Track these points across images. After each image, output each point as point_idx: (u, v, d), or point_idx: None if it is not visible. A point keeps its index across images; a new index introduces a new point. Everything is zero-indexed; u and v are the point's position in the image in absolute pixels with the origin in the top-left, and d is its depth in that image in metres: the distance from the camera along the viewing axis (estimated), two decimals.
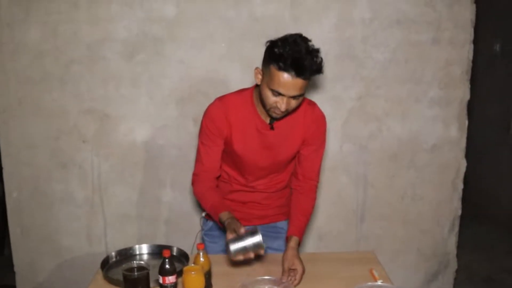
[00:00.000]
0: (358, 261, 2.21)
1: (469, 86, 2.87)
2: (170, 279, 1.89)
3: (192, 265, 1.90)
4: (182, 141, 2.84)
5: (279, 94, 1.91)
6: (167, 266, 1.89)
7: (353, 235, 3.01)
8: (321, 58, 1.90)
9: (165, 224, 2.96)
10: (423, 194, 2.96)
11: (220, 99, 2.13)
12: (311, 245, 2.99)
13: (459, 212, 3.01)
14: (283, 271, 2.00)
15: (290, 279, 1.99)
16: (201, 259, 1.93)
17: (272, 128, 2.11)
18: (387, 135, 2.88)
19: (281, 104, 1.93)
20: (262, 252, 1.89)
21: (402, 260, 3.03)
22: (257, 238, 1.88)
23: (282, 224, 2.39)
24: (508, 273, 3.94)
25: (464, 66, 2.83)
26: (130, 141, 2.85)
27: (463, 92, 2.86)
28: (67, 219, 2.93)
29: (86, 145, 2.83)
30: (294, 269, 2.01)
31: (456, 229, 3.03)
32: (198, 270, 1.84)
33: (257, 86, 2.06)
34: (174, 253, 2.24)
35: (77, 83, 2.77)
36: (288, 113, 2.01)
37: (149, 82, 2.78)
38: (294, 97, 1.93)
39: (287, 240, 2.14)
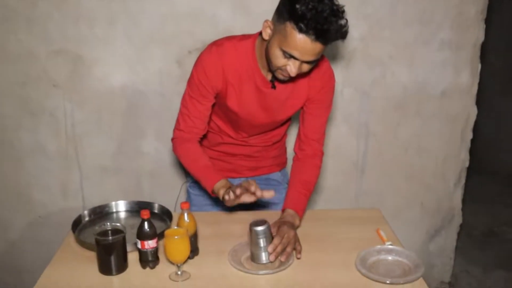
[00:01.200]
0: (362, 220, 1.96)
1: (484, 26, 2.55)
2: (150, 243, 1.61)
3: (175, 227, 1.61)
4: (165, 86, 2.51)
5: (292, 57, 1.60)
6: (146, 228, 1.61)
7: (353, 190, 2.75)
8: (346, 21, 1.57)
9: (147, 177, 2.67)
10: (428, 146, 2.68)
11: (218, 46, 1.78)
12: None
13: (467, 164, 2.75)
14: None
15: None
16: (186, 220, 1.65)
17: (273, 86, 1.81)
18: (391, 81, 2.57)
19: (292, 68, 1.63)
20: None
21: (404, 216, 2.78)
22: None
23: (276, 175, 2.14)
24: (509, 226, 3.75)
25: (479, 4, 2.49)
26: (106, 86, 2.51)
27: (477, 34, 2.53)
28: (39, 172, 2.62)
29: (57, 91, 2.49)
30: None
31: (462, 182, 2.77)
32: (182, 234, 1.56)
33: (261, 36, 1.73)
34: (156, 211, 1.96)
35: (45, 22, 2.41)
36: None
37: (126, 21, 2.42)
38: (308, 62, 1.63)
39: (282, 212, 1.87)
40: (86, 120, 2.56)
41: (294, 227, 1.75)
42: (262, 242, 1.62)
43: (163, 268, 1.64)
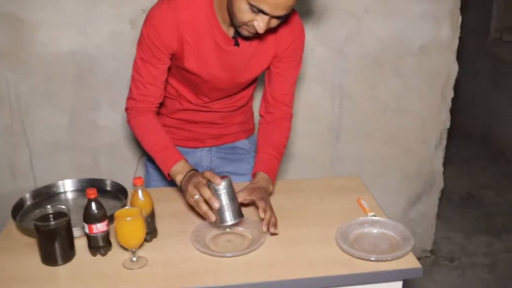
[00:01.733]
0: (341, 189, 1.76)
1: None
2: (99, 227, 1.38)
3: (127, 207, 1.38)
4: (118, 50, 2.24)
5: (261, 11, 1.38)
6: (93, 210, 1.38)
7: (328, 155, 2.55)
8: None
9: (105, 152, 2.42)
10: (408, 106, 2.49)
11: (169, 0, 1.54)
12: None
13: (448, 124, 2.57)
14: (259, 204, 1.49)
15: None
16: (140, 198, 1.43)
17: (236, 44, 1.57)
18: (367, 36, 2.35)
19: (260, 23, 1.40)
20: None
21: (383, 182, 2.61)
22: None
23: (242, 143, 1.92)
24: (487, 188, 3.63)
25: None
26: (53, 52, 2.23)
27: None
28: None
29: None
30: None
31: (444, 144, 2.60)
32: (136, 215, 1.33)
33: None
34: (108, 188, 1.73)
35: None
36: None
37: None
38: (278, 17, 1.41)
39: (253, 177, 1.66)
40: (32, 91, 2.29)
41: (268, 194, 1.55)
42: (224, 199, 1.42)
43: (117, 254, 1.42)
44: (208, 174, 1.44)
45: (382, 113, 2.48)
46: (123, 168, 2.40)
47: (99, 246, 1.40)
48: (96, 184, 1.72)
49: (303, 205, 1.66)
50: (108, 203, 1.60)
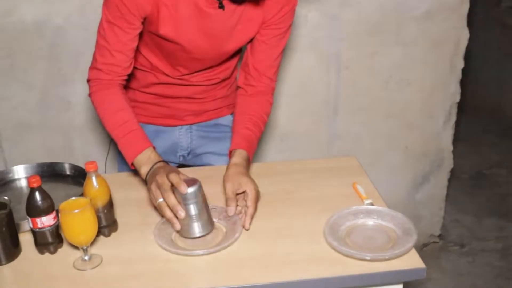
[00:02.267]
0: (334, 172, 1.54)
1: None
2: (44, 220, 1.18)
3: (74, 198, 1.17)
4: (88, 18, 2.00)
5: None
6: (36, 201, 1.16)
7: (324, 133, 2.32)
8: None
9: (78, 133, 2.20)
10: (412, 78, 2.24)
11: None
12: (269, 150, 2.29)
13: (458, 98, 2.32)
14: (227, 198, 1.31)
15: (240, 211, 1.31)
16: (95, 185, 1.21)
17: (221, 6, 1.35)
18: (365, 0, 2.10)
19: None
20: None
21: (385, 162, 2.38)
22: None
23: (226, 120, 1.70)
24: (499, 166, 3.39)
25: None
26: (15, 22, 2.00)
27: None
28: None
29: None
30: (242, 193, 1.32)
31: (453, 119, 2.35)
32: (84, 206, 1.12)
33: None
34: (68, 172, 1.52)
35: None
36: None
37: None
38: None
39: (230, 156, 1.44)
40: None
41: (253, 181, 1.34)
42: (192, 209, 1.19)
43: (68, 251, 1.21)
44: (173, 178, 1.20)
45: (384, 85, 2.24)
46: (100, 149, 2.19)
47: (46, 242, 1.20)
48: (52, 168, 1.51)
49: (289, 191, 1.44)
50: (68, 191, 1.41)
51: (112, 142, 1.88)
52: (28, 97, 2.13)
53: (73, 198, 1.15)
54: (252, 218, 1.27)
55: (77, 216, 1.11)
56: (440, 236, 2.62)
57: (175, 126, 1.65)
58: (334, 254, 1.15)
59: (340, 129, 2.31)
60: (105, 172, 1.93)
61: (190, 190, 1.18)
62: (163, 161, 1.32)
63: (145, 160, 1.33)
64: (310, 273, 1.10)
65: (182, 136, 1.67)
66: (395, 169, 2.40)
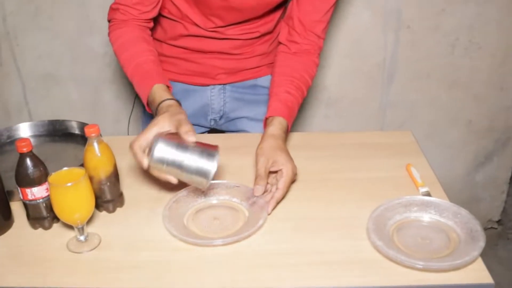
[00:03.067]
0: (387, 148, 1.30)
1: None
2: (36, 192, 1.00)
3: (66, 168, 0.97)
4: None
5: None
6: (26, 169, 0.98)
7: (377, 101, 2.05)
8: None
9: (107, 85, 2.03)
10: (483, 42, 1.93)
11: None
12: (312, 116, 2.06)
13: None
14: (257, 176, 1.08)
15: (268, 192, 1.09)
16: (97, 153, 1.02)
17: None
18: None
19: None
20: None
21: (443, 137, 2.10)
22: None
23: (265, 80, 1.47)
24: None
25: None
26: None
27: None
28: None
29: None
30: (276, 172, 1.11)
31: None
32: (80, 178, 0.93)
33: None
34: (77, 131, 1.34)
35: None
36: None
37: None
38: None
39: (265, 124, 1.22)
40: (21, 12, 1.89)
41: (291, 159, 1.12)
42: (179, 164, 0.99)
43: (66, 228, 1.03)
44: (132, 151, 1.02)
45: (450, 49, 1.94)
46: (126, 104, 2.01)
47: (40, 216, 1.02)
48: (64, 127, 1.34)
49: (329, 169, 1.21)
50: (78, 153, 1.23)
51: (137, 98, 1.69)
52: (54, 46, 1.96)
53: (66, 168, 0.96)
54: (277, 203, 1.06)
55: (70, 191, 0.92)
56: (499, 222, 2.33)
57: (207, 85, 1.44)
58: (377, 256, 0.92)
59: (395, 97, 2.04)
60: (128, 133, 1.76)
61: (152, 159, 0.99)
62: (172, 102, 1.11)
63: (152, 98, 1.15)
64: (344, 279, 0.88)
65: (214, 97, 1.46)
66: (454, 145, 2.12)
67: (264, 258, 0.94)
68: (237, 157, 1.08)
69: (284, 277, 0.89)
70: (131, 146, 1.01)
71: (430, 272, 0.87)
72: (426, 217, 1.00)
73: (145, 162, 1.00)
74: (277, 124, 1.19)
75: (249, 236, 0.98)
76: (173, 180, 1.01)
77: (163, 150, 0.98)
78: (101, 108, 2.06)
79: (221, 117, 1.49)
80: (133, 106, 1.64)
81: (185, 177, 1.00)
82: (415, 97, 2.04)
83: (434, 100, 2.04)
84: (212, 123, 1.51)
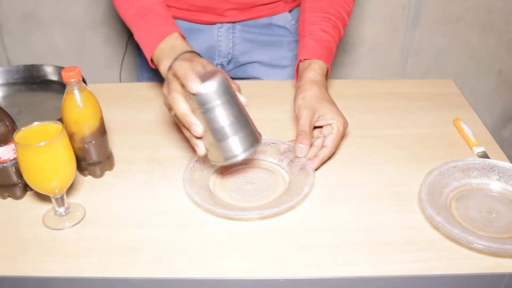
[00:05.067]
0: (427, 98, 1.10)
1: None
2: (1, 152, 0.78)
3: (37, 123, 0.76)
4: None
5: None
6: None
7: (398, 47, 1.83)
8: None
9: (96, 28, 1.79)
10: None
11: None
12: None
13: None
14: (300, 132, 0.88)
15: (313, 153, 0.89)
16: (78, 103, 0.81)
17: None
18: None
19: None
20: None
21: (470, 87, 1.90)
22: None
23: (282, 19, 1.24)
24: None
25: None
26: None
27: None
28: None
29: None
30: (323, 127, 0.91)
31: None
32: (55, 137, 0.72)
33: None
34: (54, 78, 1.12)
35: None
36: None
37: None
38: None
39: (298, 69, 1.02)
40: None
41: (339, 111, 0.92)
42: (214, 118, 0.76)
43: (42, 197, 0.83)
44: (180, 71, 0.78)
45: None
46: (120, 51, 1.78)
47: (8, 183, 0.81)
48: (36, 74, 1.12)
49: (361, 125, 1.00)
50: (58, 103, 1.00)
51: (130, 40, 1.47)
52: None
53: (37, 123, 0.75)
54: (322, 163, 0.87)
55: (43, 153, 0.71)
56: None
57: (213, 23, 1.22)
58: (435, 235, 0.73)
59: (419, 44, 1.82)
60: (119, 80, 1.55)
61: (205, 87, 0.74)
62: (193, 51, 0.89)
63: (167, 51, 0.90)
64: (395, 266, 0.68)
65: (221, 38, 1.23)
66: (481, 97, 1.92)
67: (289, 237, 0.74)
68: (256, 109, 0.88)
69: (320, 262, 0.70)
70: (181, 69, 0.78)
71: (494, 255, 0.68)
72: (491, 184, 0.81)
73: (196, 86, 0.75)
74: (318, 69, 0.98)
75: (290, 208, 0.78)
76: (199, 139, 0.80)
77: (222, 89, 0.75)
78: (89, 53, 1.83)
79: (229, 62, 1.27)
80: (125, 51, 1.42)
81: (207, 137, 0.78)
82: (441, 44, 1.82)
83: (462, 46, 1.82)
84: (219, 68, 1.28)
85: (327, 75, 1.01)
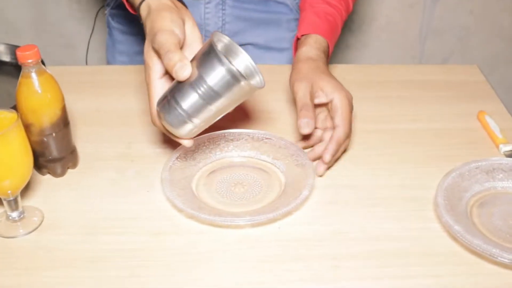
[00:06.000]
0: (447, 87, 1.16)
1: None
2: None
3: None
4: None
5: None
6: None
7: (415, 27, 1.93)
8: None
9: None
10: None
11: None
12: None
13: None
14: (301, 106, 0.90)
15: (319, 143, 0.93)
16: (36, 88, 0.83)
17: None
18: None
19: None
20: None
21: (499, 75, 2.01)
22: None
23: None
24: None
25: None
26: None
27: None
28: None
29: None
30: (322, 105, 0.93)
31: None
32: (11, 127, 0.74)
33: None
34: (9, 59, 1.16)
35: None
36: None
37: None
38: None
39: (297, 45, 1.08)
40: None
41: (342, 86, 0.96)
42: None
43: None
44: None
45: None
46: (87, 28, 1.82)
47: None
48: None
49: (372, 118, 1.05)
50: (10, 88, 1.08)
51: (99, 15, 1.50)
52: None
53: None
54: (339, 148, 0.88)
55: None
56: None
57: None
58: (453, 245, 0.76)
59: (440, 22, 1.92)
60: (86, 62, 1.58)
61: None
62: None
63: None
64: (408, 281, 0.71)
65: (209, 15, 1.28)
66: (511, 86, 1.98)
67: (284, 247, 0.76)
68: (251, 98, 0.91)
69: (319, 276, 0.72)
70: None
71: None
72: None
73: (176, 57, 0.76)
74: (313, 43, 1.03)
75: (289, 213, 0.80)
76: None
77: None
78: (49, 29, 1.89)
79: None
80: (93, 27, 1.46)
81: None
82: (464, 21, 1.92)
83: (489, 25, 1.92)
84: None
85: (330, 52, 1.04)
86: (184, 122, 0.77)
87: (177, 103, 0.76)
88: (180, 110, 0.76)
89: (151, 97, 0.81)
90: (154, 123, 0.83)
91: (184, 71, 0.75)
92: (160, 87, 0.81)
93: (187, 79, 0.75)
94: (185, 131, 0.78)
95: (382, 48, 1.96)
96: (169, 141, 0.90)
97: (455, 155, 0.92)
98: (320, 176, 0.88)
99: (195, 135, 0.81)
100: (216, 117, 0.79)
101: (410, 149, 0.96)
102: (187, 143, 0.82)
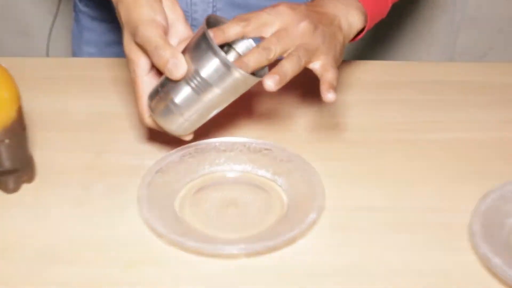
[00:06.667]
0: (482, 90, 1.19)
1: None
2: None
3: None
4: None
5: None
6: None
7: (446, 16, 1.97)
8: None
9: None
10: None
11: None
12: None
13: None
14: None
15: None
16: None
17: None
18: None
19: None
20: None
21: None
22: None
23: None
24: None
25: None
26: None
27: None
28: None
29: None
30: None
31: None
32: None
33: None
34: None
35: None
36: None
37: None
38: None
39: None
40: None
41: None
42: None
43: None
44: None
45: None
46: (44, 8, 1.84)
47: None
48: None
49: (391, 126, 1.06)
50: None
51: (60, 4, 1.53)
52: None
53: None
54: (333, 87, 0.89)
55: None
56: None
57: None
58: (487, 277, 0.76)
59: (476, 10, 1.96)
60: (47, 54, 1.59)
61: None
62: None
63: None
64: None
65: (197, 1, 1.29)
66: None
67: (286, 280, 0.77)
68: (238, 100, 0.91)
69: None
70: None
71: None
72: None
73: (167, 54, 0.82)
74: None
75: (293, 240, 0.80)
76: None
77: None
78: (2, 14, 1.92)
79: None
80: (56, 13, 1.48)
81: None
82: (509, 10, 1.91)
83: None
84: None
85: (368, 19, 1.03)
86: (180, 118, 0.85)
87: (171, 98, 0.83)
88: (174, 106, 0.84)
89: (139, 95, 0.87)
90: (142, 122, 0.89)
91: (179, 70, 0.80)
92: (148, 83, 0.87)
93: None
94: (182, 128, 0.87)
95: (402, 42, 2.00)
96: (150, 151, 0.91)
97: (494, 172, 0.93)
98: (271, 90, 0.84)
99: (191, 131, 0.89)
100: (213, 111, 0.86)
101: (438, 165, 0.97)
102: (187, 138, 0.90)
